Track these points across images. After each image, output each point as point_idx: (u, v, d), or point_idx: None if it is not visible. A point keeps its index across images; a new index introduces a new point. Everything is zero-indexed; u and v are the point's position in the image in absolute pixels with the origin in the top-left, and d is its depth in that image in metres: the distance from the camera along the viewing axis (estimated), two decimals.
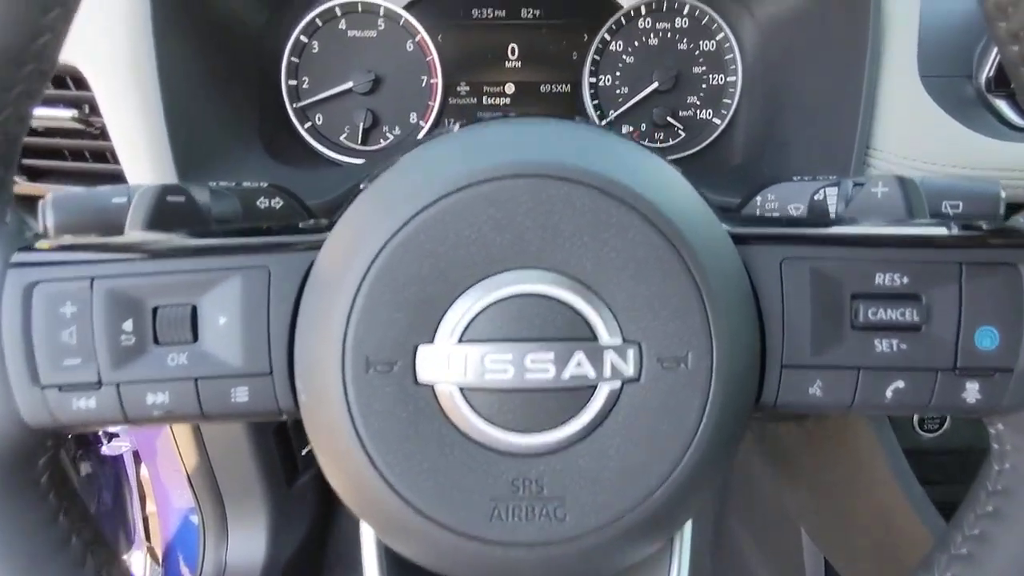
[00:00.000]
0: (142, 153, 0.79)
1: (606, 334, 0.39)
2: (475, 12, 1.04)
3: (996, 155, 0.79)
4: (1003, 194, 0.62)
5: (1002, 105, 0.82)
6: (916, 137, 0.80)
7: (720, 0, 1.02)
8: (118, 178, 0.83)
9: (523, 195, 0.39)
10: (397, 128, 1.06)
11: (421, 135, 1.05)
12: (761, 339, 0.45)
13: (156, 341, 0.43)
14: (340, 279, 0.40)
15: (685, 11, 1.04)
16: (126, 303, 0.43)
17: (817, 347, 0.44)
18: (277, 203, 0.71)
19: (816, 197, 0.70)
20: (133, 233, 0.49)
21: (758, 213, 0.73)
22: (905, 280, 0.44)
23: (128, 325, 0.43)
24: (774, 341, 0.45)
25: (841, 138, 0.82)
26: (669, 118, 1.06)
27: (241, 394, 0.44)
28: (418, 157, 0.44)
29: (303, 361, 0.42)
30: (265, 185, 0.71)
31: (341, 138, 1.05)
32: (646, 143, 1.09)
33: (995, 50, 0.80)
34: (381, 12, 1.02)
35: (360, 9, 1.02)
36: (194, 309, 0.44)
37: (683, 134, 1.07)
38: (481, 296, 0.39)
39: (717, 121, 1.07)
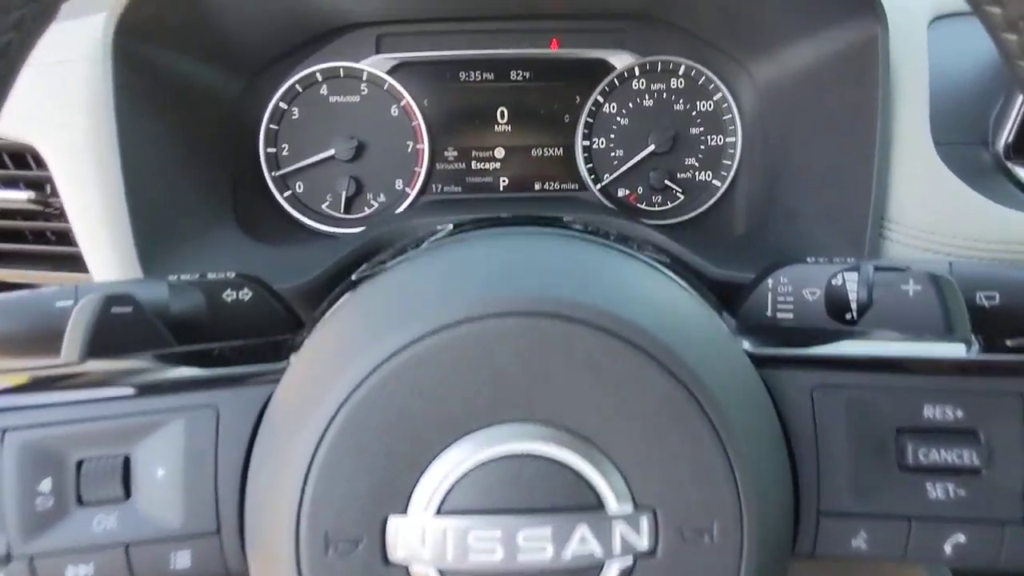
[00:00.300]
0: (102, 237, 0.73)
1: (614, 501, 0.32)
2: (462, 75, 1.00)
3: (1018, 227, 0.74)
4: None
5: (1022, 173, 0.77)
6: (933, 209, 0.75)
7: (717, 60, 0.99)
8: (82, 261, 0.77)
9: (510, 336, 0.32)
10: (382, 195, 1.00)
11: (407, 203, 1.00)
12: (793, 479, 0.39)
13: (80, 501, 0.36)
14: (294, 435, 0.33)
15: (681, 71, 1.00)
16: (44, 457, 0.36)
17: (859, 492, 0.38)
18: (246, 295, 0.65)
19: (834, 282, 0.64)
20: (62, 363, 0.43)
21: (770, 299, 0.67)
22: (959, 414, 0.37)
23: (46, 484, 0.36)
24: (808, 483, 0.38)
25: (854, 209, 0.77)
26: (667, 181, 1.01)
27: (182, 559, 0.37)
28: (386, 288, 0.38)
29: (254, 525, 0.36)
30: (232, 275, 0.65)
31: (323, 206, 1.00)
32: (643, 206, 1.04)
33: (1013, 116, 0.76)
34: (364, 77, 0.98)
35: (342, 74, 0.97)
36: (126, 460, 0.37)
37: (682, 197, 1.03)
38: (463, 458, 0.32)
39: (717, 183, 1.02)
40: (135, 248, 0.71)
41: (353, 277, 0.51)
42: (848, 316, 0.63)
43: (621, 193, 1.03)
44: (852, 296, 0.62)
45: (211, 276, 0.64)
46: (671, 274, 0.42)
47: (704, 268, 0.80)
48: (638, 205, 1.03)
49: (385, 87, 0.98)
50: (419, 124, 0.98)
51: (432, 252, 0.39)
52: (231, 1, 0.78)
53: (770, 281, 0.67)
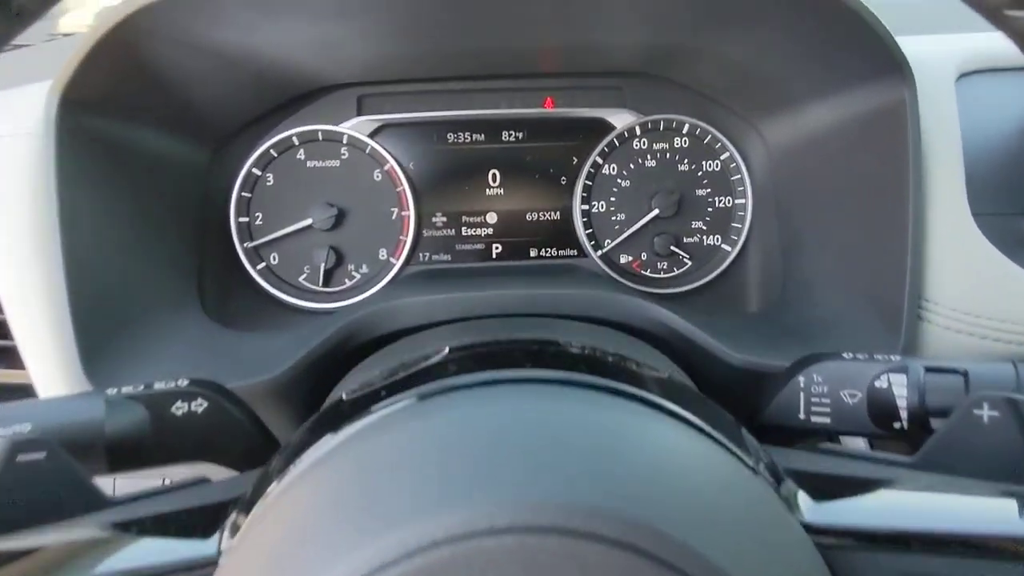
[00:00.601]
0: (41, 331, 0.64)
1: None
2: (450, 136, 0.93)
3: None
4: None
5: None
6: (975, 287, 0.67)
7: (723, 118, 0.92)
8: (17, 356, 0.68)
9: (507, 562, 0.24)
10: (364, 266, 0.92)
11: (392, 273, 0.92)
12: None
13: None
14: None
15: (684, 130, 0.93)
16: None
17: None
18: (199, 406, 0.56)
19: (877, 384, 0.56)
20: None
21: (803, 399, 0.59)
22: None
23: None
24: None
25: (886, 286, 0.69)
26: (673, 247, 0.93)
27: None
28: (358, 473, 0.29)
29: None
30: (185, 384, 0.56)
31: (300, 279, 0.91)
32: (648, 273, 0.96)
33: None
34: (344, 140, 0.90)
35: (321, 137, 0.90)
36: None
37: (689, 263, 0.95)
38: None
39: (727, 248, 0.94)
40: (76, 347, 0.62)
41: (326, 406, 0.43)
42: (897, 424, 0.54)
43: (624, 260, 0.95)
44: (901, 402, 0.54)
45: (158, 386, 0.55)
46: (707, 427, 0.33)
47: (723, 354, 0.72)
48: (642, 272, 0.96)
49: (367, 151, 0.91)
50: (404, 189, 0.91)
51: (413, 428, 0.31)
52: (195, 69, 0.71)
53: (802, 379, 0.59)
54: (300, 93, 0.88)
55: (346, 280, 0.92)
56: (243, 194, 0.89)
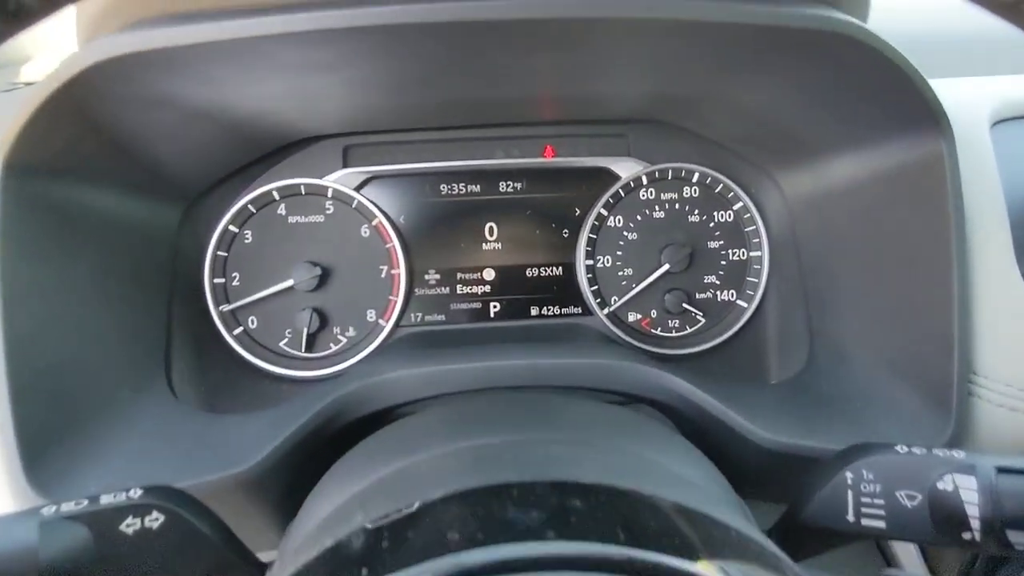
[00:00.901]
0: None
1: None
2: (443, 188, 0.87)
3: None
4: None
5: None
6: None
7: (736, 166, 0.86)
8: None
9: None
10: (351, 329, 0.85)
11: (381, 336, 0.84)
12: None
13: None
14: None
15: (694, 179, 0.87)
16: None
17: None
18: (154, 521, 0.48)
19: (941, 486, 0.48)
20: None
21: (851, 498, 0.52)
22: None
23: None
24: None
25: (930, 357, 0.62)
26: (686, 304, 0.86)
27: None
28: None
29: None
30: (137, 495, 0.48)
31: (281, 344, 0.84)
32: (659, 332, 0.89)
33: None
34: (329, 194, 0.84)
35: (303, 191, 0.83)
36: None
37: (703, 320, 0.88)
38: None
39: (743, 303, 0.88)
40: (17, 451, 0.54)
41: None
42: (967, 535, 0.47)
43: (632, 317, 0.88)
44: (972, 510, 0.47)
45: (105, 500, 0.47)
46: None
47: (751, 434, 0.65)
48: (652, 331, 0.88)
49: (354, 205, 0.84)
50: (394, 245, 0.84)
51: None
52: (161, 126, 0.64)
53: (849, 475, 0.52)
54: (280, 145, 0.81)
55: (331, 345, 0.84)
56: (219, 253, 0.82)
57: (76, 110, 0.55)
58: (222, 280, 0.82)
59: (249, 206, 0.82)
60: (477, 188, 0.87)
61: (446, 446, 0.50)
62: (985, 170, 0.66)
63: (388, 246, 0.84)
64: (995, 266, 0.62)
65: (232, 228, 0.82)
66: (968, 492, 0.47)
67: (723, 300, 0.88)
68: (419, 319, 0.87)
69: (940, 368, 0.61)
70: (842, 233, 0.74)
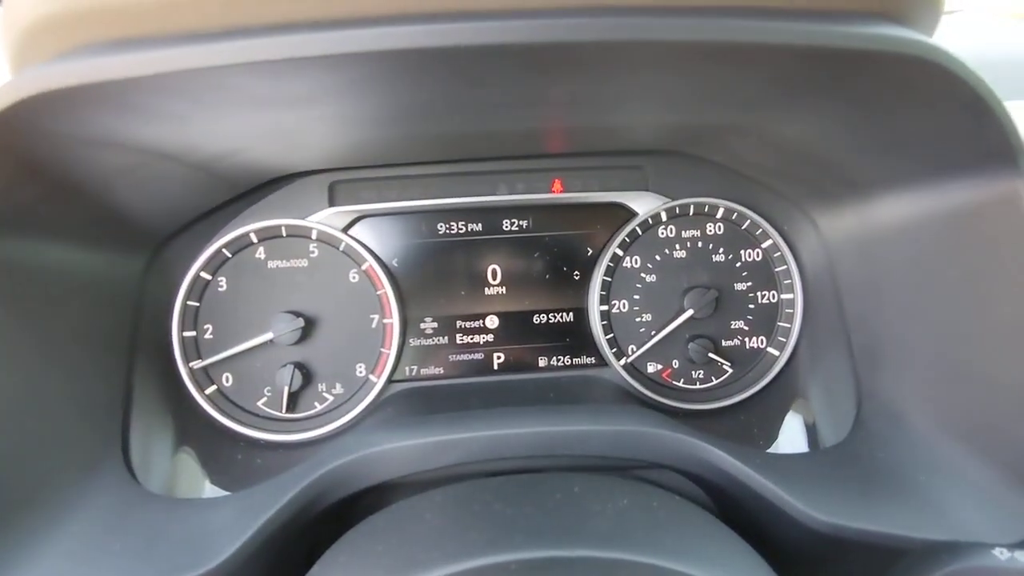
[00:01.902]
0: None
1: None
2: (441, 227, 0.78)
3: None
4: None
5: None
6: None
7: (763, 200, 0.78)
8: None
9: None
10: (338, 386, 0.76)
11: (372, 394, 0.75)
12: None
13: None
14: None
15: (718, 215, 0.79)
16: None
17: None
18: None
19: None
20: None
21: None
22: None
23: None
24: None
25: (1008, 426, 0.53)
26: (712, 354, 0.78)
27: None
28: None
29: None
30: None
31: (259, 404, 0.75)
32: (681, 384, 0.80)
33: None
34: (314, 236, 0.75)
35: (285, 233, 0.75)
36: None
37: (730, 370, 0.79)
38: None
39: (774, 351, 0.79)
40: None
41: None
42: None
43: (652, 369, 0.79)
44: None
45: None
46: None
47: (798, 513, 0.55)
48: (674, 383, 0.79)
49: (341, 247, 0.75)
50: (386, 291, 0.75)
51: None
52: (114, 168, 0.55)
53: None
54: (257, 184, 0.73)
55: (316, 404, 0.75)
56: (189, 303, 0.73)
57: (6, 151, 0.47)
58: (193, 333, 0.73)
59: (223, 250, 0.73)
60: (478, 227, 0.78)
61: (458, 564, 0.41)
62: None
63: (380, 292, 0.76)
64: None
65: (204, 275, 0.73)
66: None
67: (752, 348, 0.80)
68: (414, 373, 0.78)
69: (1016, 436, 0.52)
70: (894, 280, 0.65)
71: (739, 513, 0.61)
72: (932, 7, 0.49)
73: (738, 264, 0.79)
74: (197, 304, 0.73)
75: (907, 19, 0.46)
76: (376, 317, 0.76)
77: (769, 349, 0.79)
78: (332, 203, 0.75)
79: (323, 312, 0.75)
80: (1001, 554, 0.42)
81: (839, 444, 0.68)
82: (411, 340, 0.78)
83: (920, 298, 0.62)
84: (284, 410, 0.74)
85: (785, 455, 0.70)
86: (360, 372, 0.76)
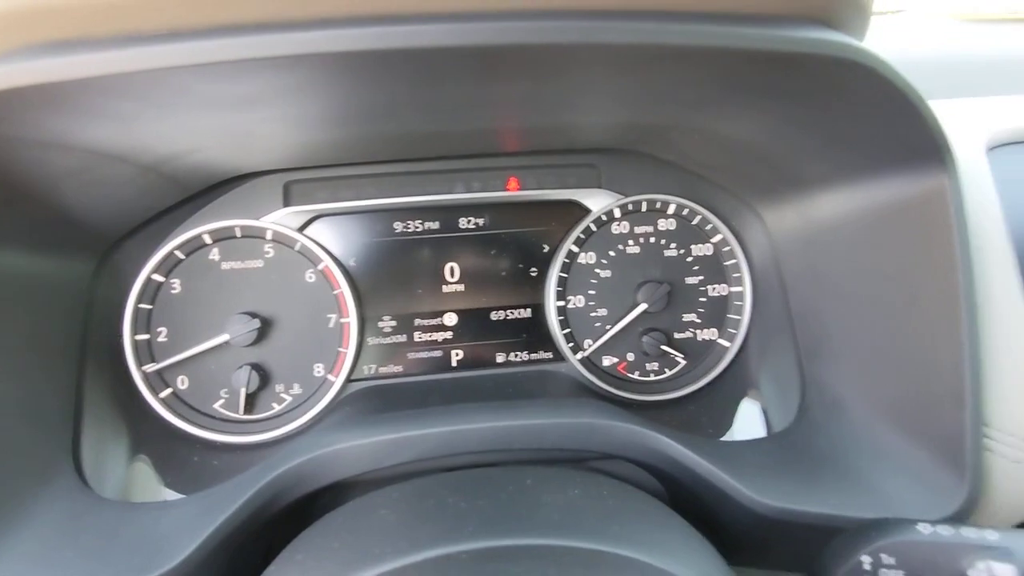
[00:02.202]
0: None
1: None
2: (398, 226, 0.78)
3: None
4: None
5: None
6: None
7: (714, 196, 0.80)
8: None
9: None
10: (296, 386, 0.76)
11: (331, 394, 0.75)
12: None
13: None
14: None
15: (670, 211, 0.81)
16: None
17: None
18: None
19: (973, 574, 0.42)
20: None
21: None
22: None
23: None
24: None
25: (939, 410, 0.57)
26: (665, 347, 0.80)
27: None
28: None
29: None
30: None
31: (216, 406, 0.74)
32: (636, 376, 0.82)
33: None
34: (269, 236, 0.75)
35: (239, 234, 0.74)
36: None
37: (683, 362, 0.82)
38: None
39: (724, 342, 0.81)
40: None
41: None
42: None
43: (607, 362, 0.81)
44: None
45: None
46: None
47: (742, 496, 0.58)
48: (629, 375, 0.82)
49: (296, 247, 0.75)
50: (343, 291, 0.75)
51: None
52: (59, 170, 0.54)
53: (866, 559, 0.45)
54: (210, 184, 0.73)
55: (273, 405, 0.75)
56: (141, 306, 0.72)
57: None
58: (146, 336, 0.72)
59: (176, 252, 0.73)
60: (435, 225, 0.79)
61: (411, 556, 0.42)
62: (985, 201, 0.61)
63: (336, 292, 0.76)
64: (1004, 305, 0.57)
65: (157, 277, 0.72)
66: None
67: (704, 340, 0.82)
68: (373, 372, 0.78)
69: (950, 420, 0.55)
70: (833, 272, 0.68)
71: (689, 499, 0.63)
72: (862, 12, 0.52)
73: (689, 259, 0.82)
74: (150, 307, 0.73)
75: (838, 23, 0.48)
76: (333, 317, 0.76)
77: (720, 341, 0.82)
78: (287, 203, 0.75)
79: (279, 313, 0.75)
80: (924, 529, 0.44)
81: (784, 431, 0.70)
82: (369, 339, 0.78)
83: (857, 290, 0.65)
84: (242, 412, 0.74)
85: (732, 442, 0.73)
86: (318, 372, 0.76)
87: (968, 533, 0.43)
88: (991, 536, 0.43)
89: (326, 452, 0.60)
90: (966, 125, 0.67)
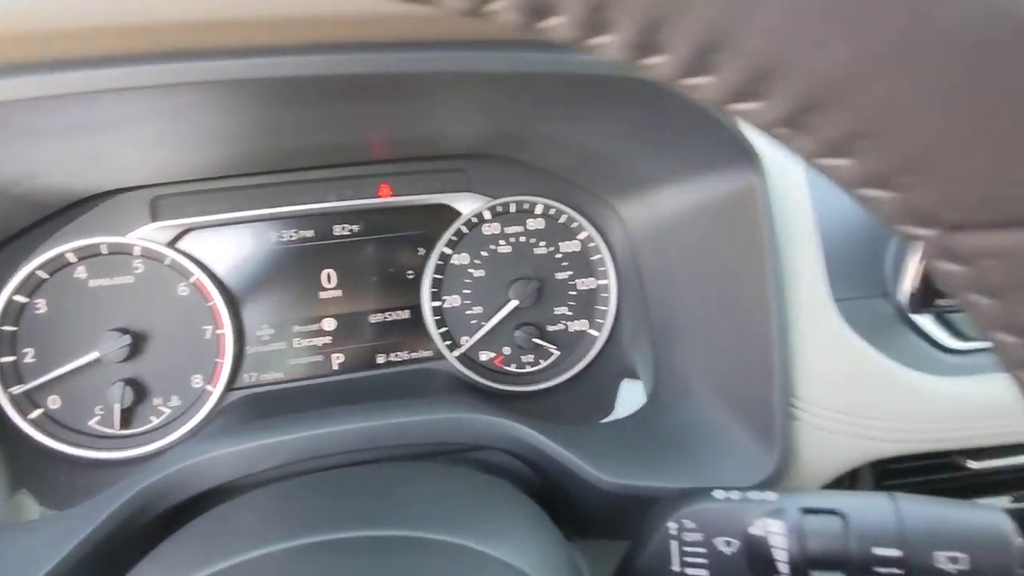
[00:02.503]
0: None
1: None
2: (271, 236, 0.80)
3: (929, 401, 0.63)
4: (1015, 535, 0.43)
5: (929, 325, 0.68)
6: (843, 381, 0.63)
7: (578, 196, 0.85)
8: None
9: None
10: (175, 398, 0.77)
11: (211, 403, 0.77)
12: None
13: None
14: None
15: (538, 211, 0.85)
16: None
17: None
18: None
19: (752, 531, 0.48)
20: None
21: (675, 549, 0.51)
22: None
23: None
24: None
25: (754, 384, 0.63)
26: (538, 339, 0.85)
27: None
28: None
29: None
30: None
31: (91, 424, 0.74)
32: (513, 368, 0.87)
33: (911, 263, 0.67)
34: (136, 252, 0.75)
35: (106, 251, 0.74)
36: None
37: (557, 352, 0.87)
38: None
39: (594, 333, 0.87)
40: None
41: None
42: None
43: (485, 357, 0.86)
44: (780, 554, 0.47)
45: None
46: None
47: (592, 478, 0.63)
48: (507, 368, 0.86)
49: (167, 262, 0.76)
50: (216, 303, 0.77)
51: None
52: None
53: (672, 526, 0.51)
54: (69, 203, 0.72)
55: (152, 418, 0.76)
56: (4, 328, 0.71)
57: None
58: (11, 359, 0.72)
59: (38, 272, 0.72)
60: (310, 233, 0.81)
61: (252, 552, 0.45)
62: (799, 201, 0.68)
63: (210, 304, 0.77)
64: (810, 290, 0.64)
65: (19, 298, 0.72)
66: (776, 536, 0.47)
67: (575, 331, 0.88)
68: (253, 380, 0.80)
69: (762, 395, 0.62)
70: (676, 264, 0.74)
71: (550, 482, 0.68)
72: None
73: (558, 255, 0.87)
74: (14, 328, 0.72)
75: None
76: (209, 328, 0.77)
77: (590, 331, 0.87)
78: (155, 218, 0.76)
79: (153, 327, 0.76)
80: (719, 495, 0.51)
81: (636, 412, 0.77)
82: (248, 348, 0.80)
83: (693, 279, 0.72)
84: (118, 427, 0.75)
85: (589, 426, 0.79)
86: (196, 383, 0.77)
87: (752, 496, 0.50)
88: (770, 497, 0.49)
89: (195, 462, 0.62)
90: None
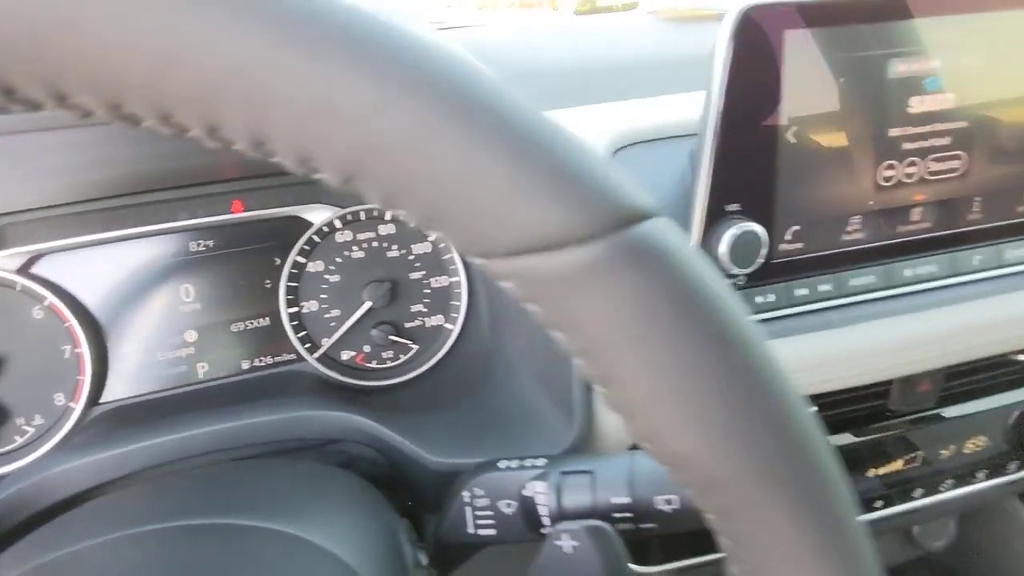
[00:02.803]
0: None
1: None
2: (127, 255, 0.84)
3: None
4: None
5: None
6: None
7: None
8: None
9: None
10: (38, 417, 0.80)
11: (74, 419, 0.81)
12: None
13: None
14: None
15: (388, 216, 0.92)
16: None
17: None
18: None
19: (525, 493, 0.56)
20: None
21: (469, 514, 0.58)
22: None
23: None
24: None
25: (560, 368, 0.71)
26: (393, 336, 0.91)
27: None
28: None
29: None
30: None
31: None
32: (374, 365, 0.93)
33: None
34: None
35: None
36: None
37: (416, 347, 0.94)
38: None
39: (450, 326, 0.94)
40: None
41: None
42: (544, 530, 0.55)
43: (346, 356, 0.92)
44: (543, 510, 0.55)
45: None
46: None
47: (421, 458, 0.70)
48: (368, 365, 0.93)
49: (18, 288, 0.79)
50: (72, 324, 0.80)
51: None
52: None
53: (466, 494, 0.59)
54: None
55: (16, 437, 0.79)
56: None
57: None
58: None
59: None
60: (165, 251, 0.85)
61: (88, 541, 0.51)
62: None
63: (67, 325, 0.81)
64: None
65: None
66: (540, 495, 0.55)
67: (432, 326, 0.94)
68: (117, 394, 0.84)
69: (564, 374, 0.70)
70: None
71: (394, 467, 0.75)
72: None
73: (411, 257, 0.93)
74: None
75: None
76: (68, 348, 0.81)
77: (446, 325, 0.94)
78: (2, 246, 0.79)
79: (10, 350, 0.79)
80: (502, 464, 0.58)
81: (475, 397, 0.84)
82: (111, 364, 0.84)
83: None
84: None
85: (433, 414, 0.86)
86: (59, 401, 0.81)
87: (527, 463, 0.57)
88: (540, 463, 0.57)
89: (51, 473, 0.66)
90: (593, 129, 0.82)
